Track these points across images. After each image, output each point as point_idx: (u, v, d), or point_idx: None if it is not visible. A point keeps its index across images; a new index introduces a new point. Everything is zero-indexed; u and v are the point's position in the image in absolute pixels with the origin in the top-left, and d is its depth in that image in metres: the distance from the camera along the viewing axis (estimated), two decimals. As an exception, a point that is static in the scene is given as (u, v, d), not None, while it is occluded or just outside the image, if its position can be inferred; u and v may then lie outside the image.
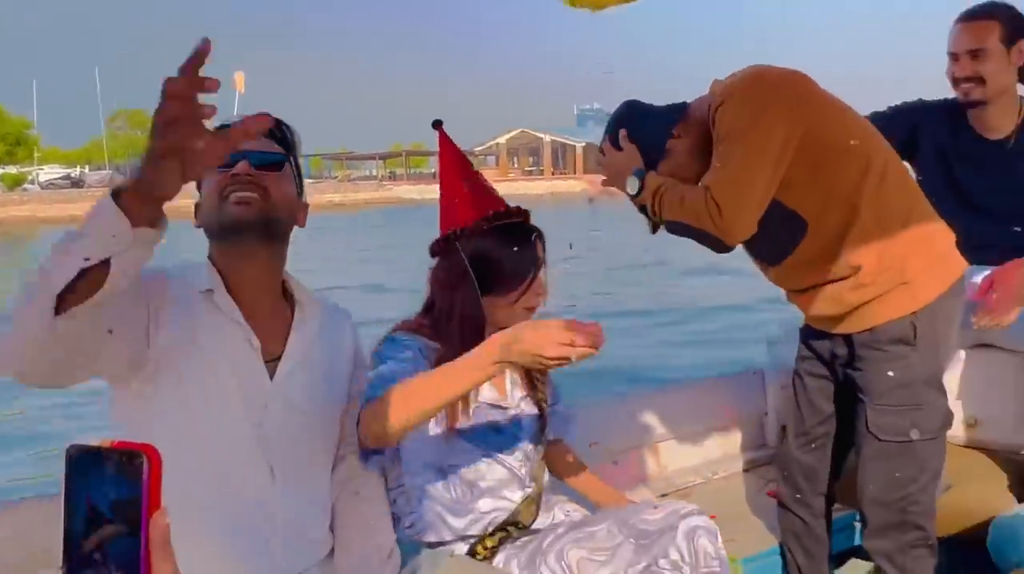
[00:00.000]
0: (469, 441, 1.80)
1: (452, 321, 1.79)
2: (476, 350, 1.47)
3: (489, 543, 1.80)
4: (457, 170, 1.88)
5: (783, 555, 2.32)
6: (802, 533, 2.26)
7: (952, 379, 2.48)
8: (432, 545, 1.80)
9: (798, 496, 2.25)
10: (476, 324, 1.76)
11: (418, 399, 1.47)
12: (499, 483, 1.82)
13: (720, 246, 1.95)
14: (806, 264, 2.02)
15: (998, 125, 2.58)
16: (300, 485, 1.55)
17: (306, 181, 1.71)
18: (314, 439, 1.60)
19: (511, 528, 1.82)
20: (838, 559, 2.51)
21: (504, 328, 1.48)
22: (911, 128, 2.66)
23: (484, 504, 1.80)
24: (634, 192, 2.01)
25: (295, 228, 1.61)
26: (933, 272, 1.98)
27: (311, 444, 1.59)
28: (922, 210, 2.03)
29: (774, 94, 1.89)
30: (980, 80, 2.52)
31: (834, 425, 2.22)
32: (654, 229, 2.09)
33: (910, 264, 1.96)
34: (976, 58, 2.51)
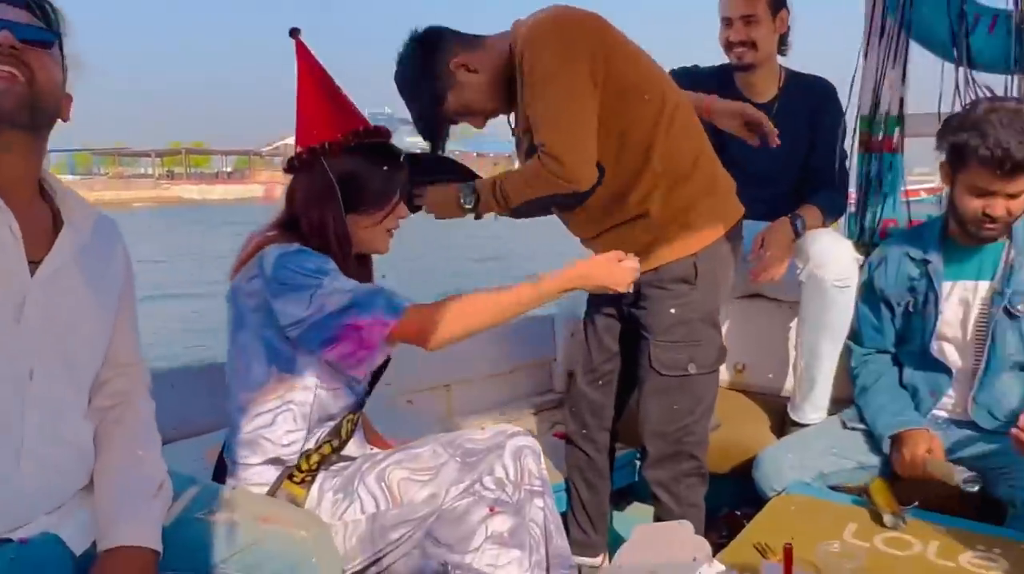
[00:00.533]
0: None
1: (326, 238, 1.72)
2: (551, 281, 1.78)
3: (304, 466, 1.72)
4: (318, 84, 1.80)
5: (567, 490, 2.37)
6: (586, 467, 2.32)
7: (722, 327, 2.63)
8: (249, 466, 1.71)
9: (584, 431, 2.31)
10: (347, 241, 1.74)
11: (487, 314, 1.72)
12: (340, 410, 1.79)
13: (576, 197, 1.97)
14: (601, 209, 2.06)
15: (764, 89, 2.76)
16: (57, 400, 1.33)
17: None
18: (76, 351, 1.39)
19: (328, 446, 1.75)
20: (619, 495, 2.62)
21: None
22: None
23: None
24: (471, 205, 2.02)
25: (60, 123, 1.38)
26: (714, 215, 2.08)
27: (72, 356, 1.37)
28: (708, 154, 2.12)
29: (577, 34, 1.91)
30: (752, 45, 2.68)
31: (619, 363, 2.29)
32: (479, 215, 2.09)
33: (694, 207, 2.05)
34: (749, 23, 2.67)
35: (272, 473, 1.72)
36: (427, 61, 1.97)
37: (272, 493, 1.70)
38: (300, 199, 1.77)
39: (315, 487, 1.73)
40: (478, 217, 2.09)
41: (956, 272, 2.19)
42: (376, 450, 1.90)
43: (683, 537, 1.85)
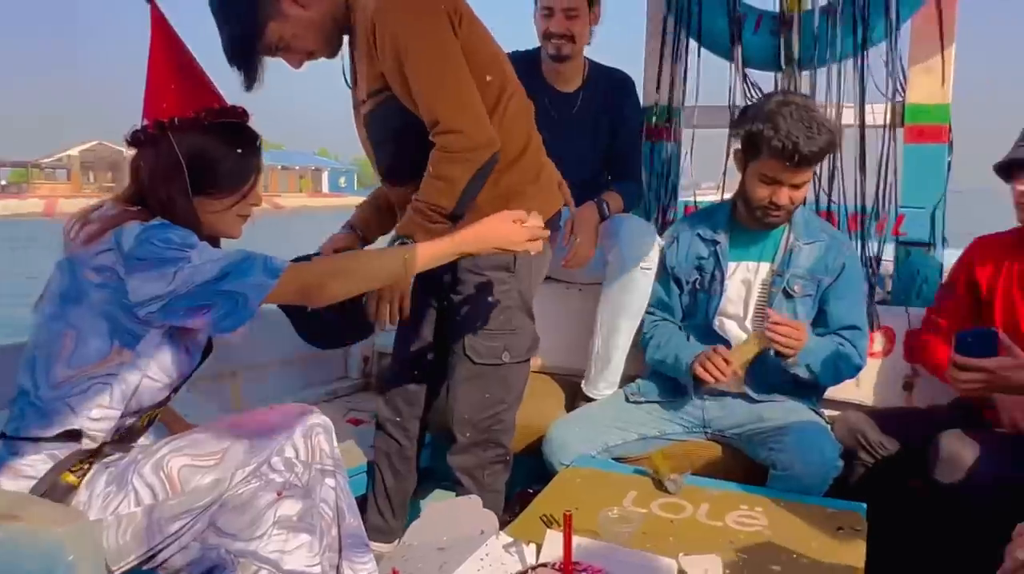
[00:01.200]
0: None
1: (174, 218, 1.61)
2: (445, 241, 1.76)
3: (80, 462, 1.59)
4: (170, 53, 1.67)
5: (370, 474, 2.35)
6: (395, 454, 2.29)
7: None
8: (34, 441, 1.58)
9: (398, 419, 2.29)
10: (196, 223, 1.64)
11: (370, 273, 1.74)
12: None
13: (491, 159, 1.93)
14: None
15: (570, 79, 2.85)
16: None
17: None
18: None
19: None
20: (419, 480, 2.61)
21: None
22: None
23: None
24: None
25: None
26: (536, 203, 2.04)
27: None
28: (536, 143, 2.14)
29: (431, 3, 1.88)
30: (571, 38, 2.74)
31: (435, 351, 2.27)
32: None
33: (518, 194, 2.05)
34: (570, 17, 2.72)
35: (56, 453, 1.57)
36: None
37: (49, 477, 1.56)
38: (145, 175, 1.65)
39: (86, 479, 1.60)
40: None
41: (741, 254, 2.34)
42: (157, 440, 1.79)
43: (471, 512, 1.87)
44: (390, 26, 1.86)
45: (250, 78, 1.95)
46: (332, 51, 2.02)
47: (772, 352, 2.17)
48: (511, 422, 2.19)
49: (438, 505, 1.93)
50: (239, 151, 1.69)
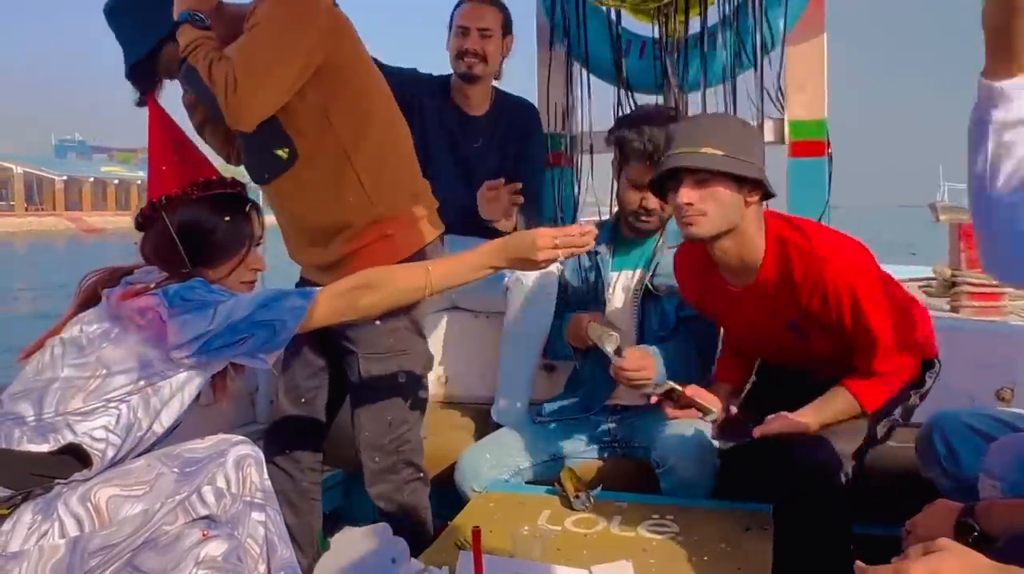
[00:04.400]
0: None
1: None
2: (471, 255, 1.75)
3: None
4: (166, 136, 1.76)
5: None
6: (290, 490, 2.23)
7: (428, 340, 2.70)
8: None
9: (287, 451, 2.24)
10: None
11: (397, 287, 1.72)
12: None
13: (227, 122, 1.90)
14: (298, 193, 2.03)
15: (478, 103, 2.91)
16: None
17: None
18: None
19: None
20: (329, 519, 2.53)
21: None
22: (400, 96, 2.64)
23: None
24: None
25: None
26: (415, 229, 2.10)
27: None
28: (414, 171, 2.16)
29: (314, 10, 1.89)
30: (484, 58, 2.81)
31: (324, 379, 2.24)
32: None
33: (396, 219, 2.07)
34: (484, 37, 2.80)
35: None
36: None
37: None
38: (149, 255, 1.75)
39: (17, 511, 1.54)
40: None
41: (622, 263, 2.42)
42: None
43: (381, 540, 1.84)
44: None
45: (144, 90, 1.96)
46: None
47: None
48: (418, 441, 2.20)
49: (346, 536, 1.89)
50: (228, 219, 1.75)
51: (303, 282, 2.23)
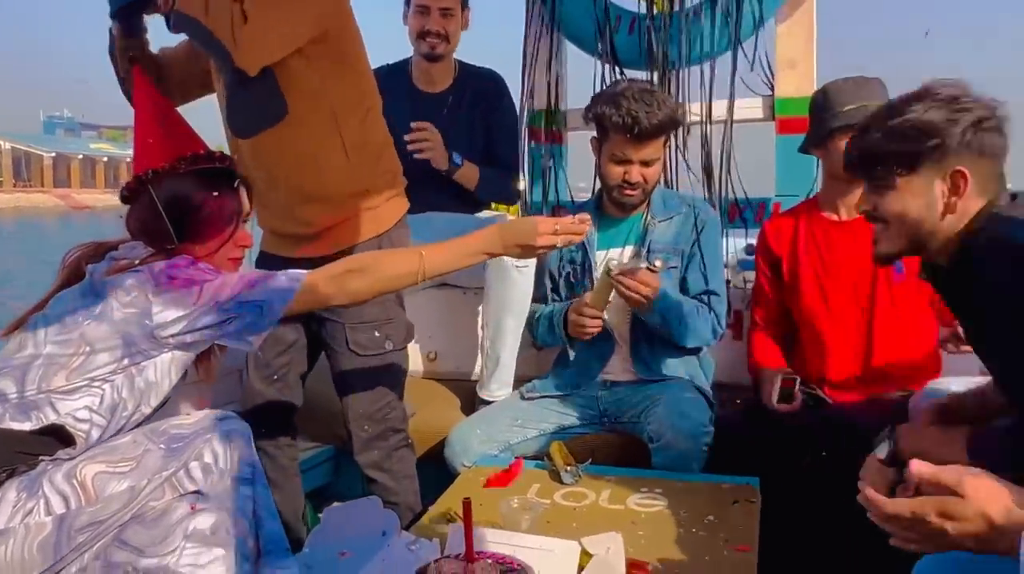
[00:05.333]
0: None
1: None
2: (466, 240, 1.74)
3: None
4: (153, 110, 1.73)
5: None
6: (269, 468, 2.21)
7: (414, 318, 2.70)
8: None
9: (262, 430, 2.20)
10: None
11: (389, 273, 1.70)
12: None
13: (233, 67, 1.88)
14: (281, 152, 2.02)
15: (439, 80, 2.90)
16: None
17: None
18: None
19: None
20: (314, 498, 2.54)
21: None
22: None
23: None
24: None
25: None
26: (393, 203, 2.15)
27: None
28: (392, 150, 2.19)
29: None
30: (446, 37, 2.80)
31: (294, 354, 2.24)
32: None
33: (377, 193, 2.10)
34: (445, 16, 2.78)
35: None
36: None
37: None
38: (135, 230, 1.72)
39: (1, 489, 1.53)
40: None
41: (608, 241, 2.41)
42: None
43: (371, 513, 1.86)
44: None
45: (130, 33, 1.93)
46: None
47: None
48: (403, 408, 2.23)
49: (335, 509, 1.90)
50: (216, 194, 1.71)
51: (264, 256, 2.22)
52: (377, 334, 2.13)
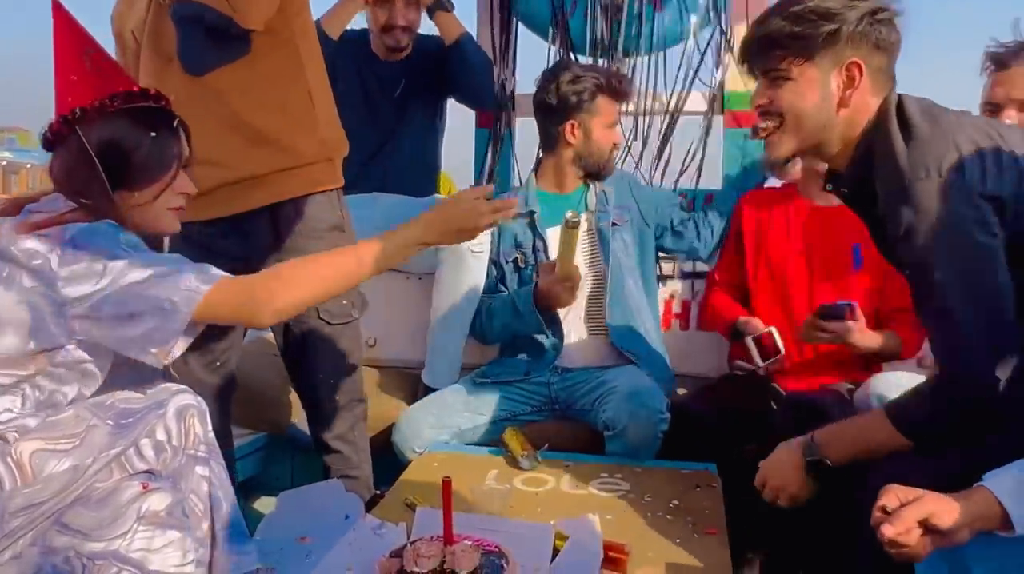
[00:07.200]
0: None
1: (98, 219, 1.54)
2: (401, 233, 1.63)
3: None
4: (74, 42, 1.57)
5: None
6: None
7: None
8: None
9: None
10: (120, 222, 1.56)
11: (324, 278, 1.57)
12: None
13: (234, 25, 1.84)
14: (242, 88, 1.93)
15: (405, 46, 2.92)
16: None
17: None
18: None
19: None
20: (246, 488, 2.47)
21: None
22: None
23: None
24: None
25: None
26: (333, 168, 2.09)
27: None
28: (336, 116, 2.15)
29: None
30: (410, 30, 2.84)
31: (235, 338, 2.15)
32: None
33: (337, 146, 2.07)
34: (409, 5, 2.80)
35: None
36: None
37: None
38: (60, 176, 1.56)
39: None
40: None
41: (555, 218, 2.37)
42: None
43: (332, 497, 1.80)
44: None
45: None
46: None
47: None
48: (361, 372, 2.23)
49: (291, 494, 1.84)
50: (153, 135, 1.58)
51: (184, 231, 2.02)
52: (344, 302, 2.10)
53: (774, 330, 2.21)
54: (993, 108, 2.03)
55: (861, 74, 1.48)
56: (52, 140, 1.58)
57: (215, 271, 1.52)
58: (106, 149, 1.55)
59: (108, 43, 1.72)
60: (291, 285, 1.55)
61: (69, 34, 1.61)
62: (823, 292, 2.28)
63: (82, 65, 1.59)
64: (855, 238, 2.23)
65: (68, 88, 1.58)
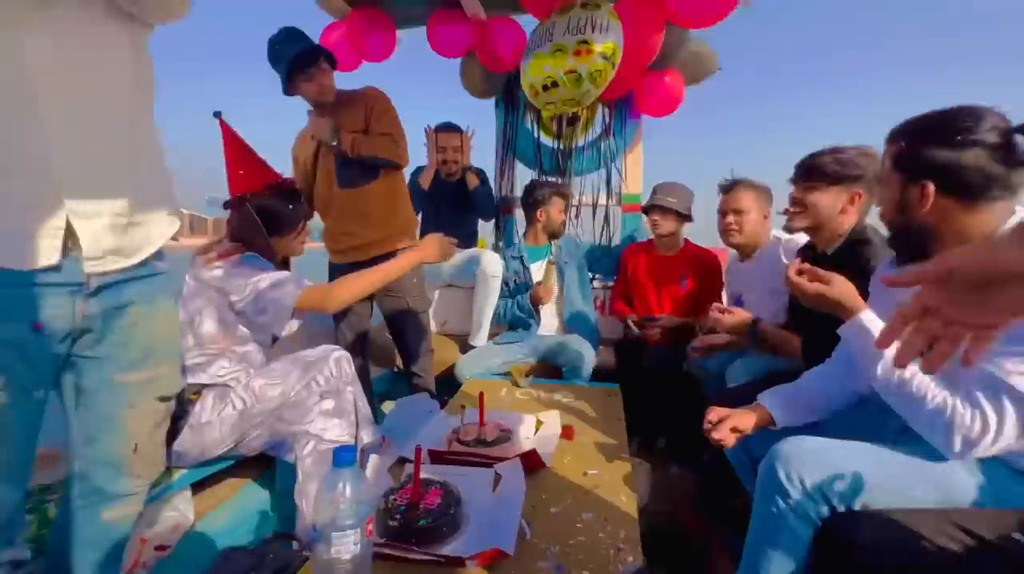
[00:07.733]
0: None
1: (260, 252, 1.56)
2: (406, 255, 1.67)
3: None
4: (240, 150, 1.56)
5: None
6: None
7: (436, 304, 2.84)
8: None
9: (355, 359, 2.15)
10: (273, 254, 1.58)
11: (366, 284, 1.57)
12: None
13: (392, 164, 1.95)
14: (363, 199, 2.10)
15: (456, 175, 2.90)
16: None
17: None
18: None
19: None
20: (377, 398, 2.54)
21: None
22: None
23: None
24: (334, 142, 1.84)
25: None
26: (413, 234, 2.18)
27: None
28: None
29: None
30: (459, 161, 2.89)
31: (363, 311, 2.23)
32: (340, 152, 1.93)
33: (411, 224, 2.19)
34: (457, 151, 2.87)
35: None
36: None
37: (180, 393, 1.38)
38: (236, 228, 1.56)
39: (202, 397, 1.48)
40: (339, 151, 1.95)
41: (535, 257, 2.57)
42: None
43: (421, 402, 1.90)
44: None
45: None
46: None
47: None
48: (431, 337, 2.23)
49: (403, 401, 1.93)
50: (291, 206, 1.62)
51: (334, 270, 2.11)
52: (421, 301, 2.21)
53: (633, 317, 2.33)
54: (723, 213, 2.05)
55: (860, 200, 1.46)
56: (230, 207, 1.57)
57: (305, 281, 1.48)
58: (265, 214, 1.57)
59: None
60: (343, 288, 1.53)
61: (232, 141, 1.60)
62: (664, 298, 2.40)
63: (247, 163, 1.60)
64: (682, 271, 2.34)
65: (237, 179, 1.58)
